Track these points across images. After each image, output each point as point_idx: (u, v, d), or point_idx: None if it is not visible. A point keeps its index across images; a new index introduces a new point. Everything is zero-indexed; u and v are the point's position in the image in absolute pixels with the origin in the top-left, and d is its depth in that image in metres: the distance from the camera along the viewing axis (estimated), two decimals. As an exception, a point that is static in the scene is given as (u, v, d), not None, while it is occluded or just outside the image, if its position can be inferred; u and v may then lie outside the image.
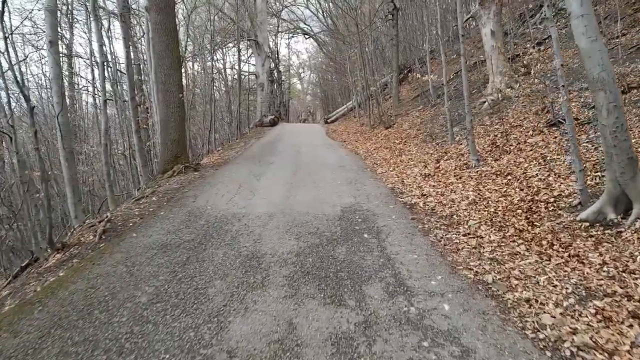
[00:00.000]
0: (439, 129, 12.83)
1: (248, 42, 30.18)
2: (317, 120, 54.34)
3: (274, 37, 36.98)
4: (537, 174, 6.97)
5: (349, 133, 19.10)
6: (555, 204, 5.84)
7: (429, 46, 18.11)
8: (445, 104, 11.22)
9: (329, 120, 29.24)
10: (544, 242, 4.94)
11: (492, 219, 5.89)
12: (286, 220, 6.25)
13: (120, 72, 17.90)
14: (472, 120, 8.88)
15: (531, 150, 8.10)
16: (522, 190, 6.61)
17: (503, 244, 5.09)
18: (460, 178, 8.18)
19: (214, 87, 29.35)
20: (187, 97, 23.49)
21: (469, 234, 5.53)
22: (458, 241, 5.33)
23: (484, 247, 5.07)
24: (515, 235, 5.27)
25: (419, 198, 7.47)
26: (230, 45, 29.32)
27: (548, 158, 7.39)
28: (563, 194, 5.98)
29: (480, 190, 7.21)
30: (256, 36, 27.76)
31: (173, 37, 10.93)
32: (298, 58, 68.99)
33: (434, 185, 8.07)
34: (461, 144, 10.45)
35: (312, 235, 5.59)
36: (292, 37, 42.08)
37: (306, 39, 43.19)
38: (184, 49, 19.80)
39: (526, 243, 5.03)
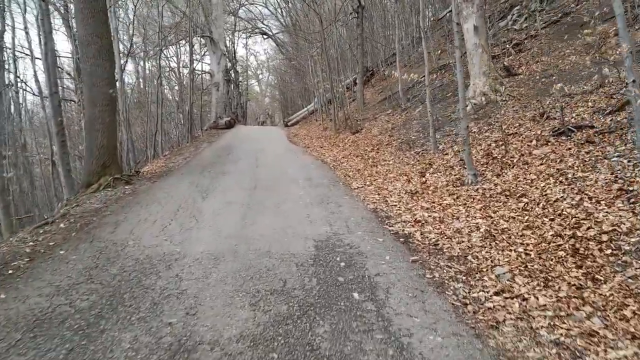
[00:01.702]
0: (415, 136, 11.16)
1: (202, 39, 27.88)
2: (276, 123, 52.24)
3: (230, 36, 34.78)
4: (563, 197, 5.32)
5: (312, 138, 17.23)
6: (611, 244, 4.15)
7: (399, 45, 16.48)
8: (428, 106, 9.55)
9: (289, 124, 27.32)
10: (628, 313, 3.22)
11: (525, 265, 4.15)
12: (238, 268, 4.29)
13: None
14: (467, 126, 7.20)
15: (542, 164, 6.49)
16: (551, 220, 4.92)
17: (562, 314, 3.34)
18: (458, 198, 6.46)
19: (164, 86, 26.95)
20: (138, 97, 21.11)
21: (502, 291, 3.76)
22: (491, 305, 3.55)
23: (534, 319, 3.31)
24: (575, 297, 3.53)
25: (412, 226, 5.69)
26: (183, 42, 26.95)
27: (570, 175, 5.75)
28: (619, 229, 4.30)
29: (491, 217, 5.50)
30: (211, 32, 25.52)
31: (102, 20, 8.76)
32: (256, 59, 66.69)
33: (427, 208, 6.30)
34: (446, 153, 8.79)
35: (276, 297, 3.66)
36: (250, 36, 39.93)
37: (264, 39, 41.19)
38: (129, 42, 17.53)
39: (599, 312, 3.30)
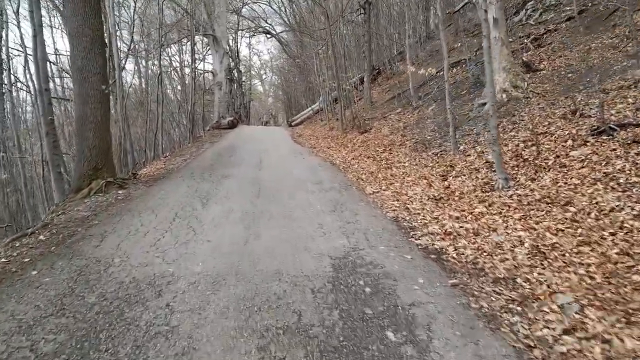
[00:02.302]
0: (430, 135, 10.36)
1: (205, 38, 27.13)
2: (279, 123, 51.51)
3: (234, 35, 34.02)
4: (619, 206, 4.52)
5: (317, 138, 16.43)
6: (699, 268, 3.37)
7: (409, 40, 15.68)
8: (447, 103, 8.76)
9: (292, 123, 26.55)
10: None
11: (594, 292, 3.35)
12: (242, 294, 3.50)
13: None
14: (496, 124, 6.40)
15: (583, 167, 5.70)
16: (612, 234, 4.12)
17: (662, 364, 2.56)
18: (490, 206, 5.66)
19: (166, 85, 26.22)
20: (139, 97, 20.38)
21: (574, 329, 2.97)
22: (564, 350, 2.77)
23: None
24: (672, 340, 2.74)
25: (443, 239, 4.91)
26: (185, 40, 26.18)
27: (623, 181, 4.96)
28: None
29: (534, 228, 4.70)
30: (214, 30, 24.81)
31: (94, 10, 7.99)
32: (259, 59, 65.99)
33: (456, 217, 5.51)
34: (468, 154, 8.00)
35: (290, 338, 2.88)
36: (253, 35, 39.15)
37: (268, 38, 40.42)
38: (130, 39, 16.82)
39: None
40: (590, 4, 12.57)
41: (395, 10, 26.22)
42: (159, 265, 4.14)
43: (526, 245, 4.37)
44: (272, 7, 36.81)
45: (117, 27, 18.03)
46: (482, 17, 10.50)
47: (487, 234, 4.87)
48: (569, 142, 6.56)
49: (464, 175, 7.18)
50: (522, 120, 8.28)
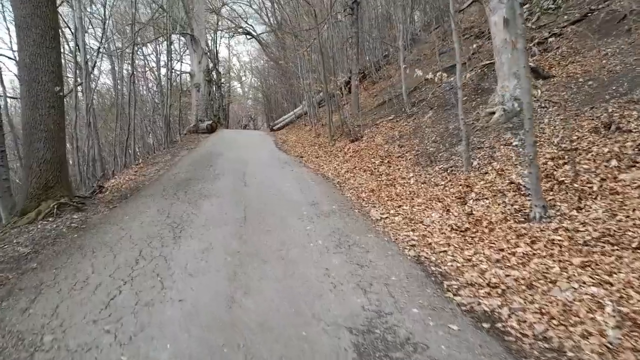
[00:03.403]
0: (433, 147, 9.23)
1: (182, 37, 25.60)
2: (259, 126, 49.98)
3: (213, 35, 32.52)
4: None
5: (304, 145, 15.17)
6: None
7: (402, 41, 14.52)
8: (460, 112, 7.62)
9: (274, 128, 25.19)
10: None
11: None
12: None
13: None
14: (534, 141, 5.25)
15: (642, 194, 4.62)
16: None
17: None
18: (534, 243, 4.51)
19: (141, 87, 24.63)
20: (113, 98, 18.81)
21: None
22: None
23: None
24: None
25: (489, 295, 3.73)
26: (162, 39, 24.58)
27: None
28: None
29: (610, 283, 3.56)
30: (192, 30, 23.32)
31: (47, -3, 6.60)
32: (239, 60, 64.32)
33: (497, 260, 4.34)
34: (486, 172, 6.86)
35: None
36: (233, 36, 37.67)
37: (248, 39, 38.98)
38: (102, 36, 15.33)
39: None
40: (594, 8, 11.63)
41: (380, 12, 25.23)
42: (107, 350, 2.84)
43: (610, 311, 3.21)
44: (252, 8, 35.46)
45: (86, 22, 16.56)
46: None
47: (546, 287, 3.70)
48: (614, 162, 5.49)
49: (487, 198, 6.03)
50: (543, 133, 7.21)
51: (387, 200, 6.95)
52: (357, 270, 4.17)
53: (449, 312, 3.41)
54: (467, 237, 5.02)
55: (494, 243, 4.74)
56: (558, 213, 5.01)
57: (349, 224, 5.72)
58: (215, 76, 28.09)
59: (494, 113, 9.07)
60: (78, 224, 5.85)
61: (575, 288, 3.60)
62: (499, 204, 5.76)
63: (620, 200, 4.72)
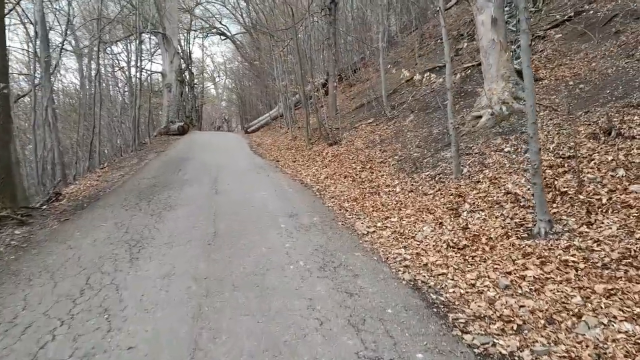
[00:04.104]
0: (417, 152, 8.66)
1: (154, 36, 24.55)
2: (233, 128, 48.95)
3: (186, 35, 31.46)
4: None
5: (279, 148, 14.45)
6: None
7: (382, 43, 13.94)
8: (449, 116, 7.06)
9: (249, 130, 24.37)
10: None
11: None
12: None
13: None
14: (539, 149, 4.69)
15: (658, 209, 4.12)
16: None
17: None
18: (544, 265, 3.94)
19: (109, 87, 23.52)
20: (81, 97, 17.75)
21: None
22: None
23: None
24: None
25: (502, 330, 3.14)
26: (133, 37, 23.49)
27: None
28: None
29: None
30: (164, 28, 22.32)
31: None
32: (213, 61, 63.04)
33: (506, 286, 3.73)
34: (478, 180, 6.31)
35: None
36: (207, 36, 36.60)
37: (222, 40, 37.97)
38: (64, 32, 14.39)
39: None
40: (579, 10, 11.30)
41: (357, 14, 24.77)
42: None
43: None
44: (227, 8, 34.50)
45: (52, 18, 15.49)
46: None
47: (570, 322, 3.12)
48: (621, 171, 4.99)
49: (482, 210, 5.46)
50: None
51: (373, 210, 6.32)
52: (346, 300, 3.51)
53: (460, 358, 2.78)
54: (466, 256, 4.42)
55: (498, 264, 4.16)
56: (566, 229, 4.46)
57: (333, 240, 5.06)
58: (188, 77, 27.11)
59: (480, 117, 8.56)
60: (19, 241, 5.01)
61: (604, 324, 3.03)
62: (496, 217, 5.19)
63: (636, 215, 4.20)
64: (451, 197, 6.11)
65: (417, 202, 6.31)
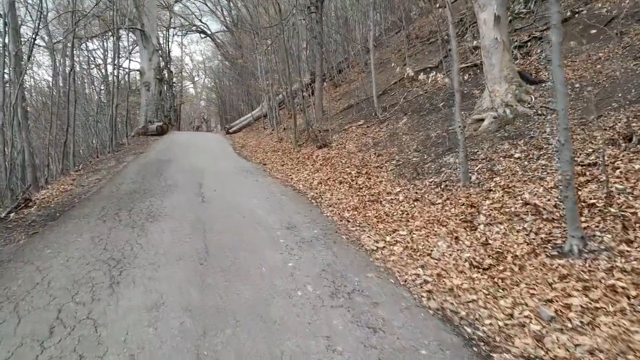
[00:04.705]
0: (416, 157, 8.17)
1: (132, 33, 23.57)
2: (212, 128, 48.00)
3: (165, 33, 30.50)
4: None
5: (265, 151, 13.79)
6: None
7: (372, 41, 13.42)
8: (457, 117, 6.55)
9: (230, 131, 23.61)
10: None
11: None
12: None
13: None
14: (571, 157, 4.21)
15: None
16: None
17: None
18: (589, 290, 3.47)
19: (85, 85, 22.49)
20: (55, 96, 16.83)
21: None
22: None
23: None
24: None
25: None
26: (110, 34, 22.45)
27: None
28: None
29: None
30: (142, 25, 21.42)
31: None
32: (192, 60, 61.84)
33: (552, 318, 3.23)
34: (489, 189, 5.83)
35: None
36: (186, 34, 35.65)
37: (202, 38, 37.05)
38: (36, 24, 13.51)
39: None
40: (575, 11, 11.00)
41: (341, 14, 24.28)
42: None
43: None
44: (207, 5, 33.61)
45: (23, 12, 14.51)
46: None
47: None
48: (654, 181, 4.56)
49: (500, 223, 4.96)
50: (549, 144, 6.27)
51: (377, 221, 5.78)
52: (370, 338, 2.96)
53: None
54: (494, 278, 3.91)
55: (533, 288, 3.66)
56: (602, 246, 3.99)
57: (340, 257, 4.49)
58: (166, 75, 26.22)
59: (482, 120, 8.11)
60: (-23, 262, 4.31)
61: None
62: (518, 231, 4.70)
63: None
64: (463, 207, 5.61)
65: (426, 212, 5.79)
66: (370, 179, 7.91)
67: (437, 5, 17.65)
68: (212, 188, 7.82)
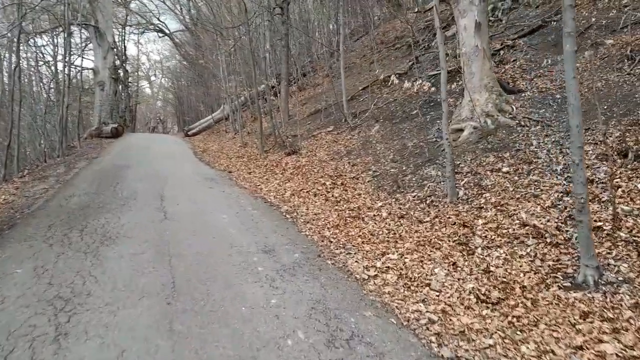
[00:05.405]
0: (394, 167, 7.71)
1: (85, 29, 22.13)
2: (169, 130, 46.27)
3: (120, 30, 29.00)
4: None
5: (229, 156, 13.00)
6: None
7: (343, 46, 12.92)
8: (444, 128, 6.12)
9: (189, 133, 22.56)
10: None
11: None
12: None
13: None
14: (585, 178, 3.80)
15: None
16: None
17: None
18: (619, 333, 3.06)
19: (32, 82, 20.93)
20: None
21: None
22: None
23: None
24: None
25: None
26: (60, 29, 20.93)
27: None
28: None
29: None
30: (97, 21, 20.10)
31: None
32: (149, 59, 59.66)
33: (588, 371, 2.78)
34: (480, 206, 5.43)
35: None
36: (143, 32, 34.12)
37: (160, 37, 35.54)
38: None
39: None
40: (547, 20, 10.89)
41: (305, 18, 23.79)
42: None
43: None
44: (166, 4, 32.26)
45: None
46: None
47: None
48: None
49: (499, 247, 4.53)
50: (538, 158, 5.94)
51: (362, 242, 5.23)
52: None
53: None
54: (508, 317, 3.43)
55: (555, 329, 3.20)
56: (620, 277, 3.60)
57: (329, 290, 3.91)
58: (122, 74, 24.83)
59: (461, 130, 7.75)
60: None
61: None
62: (521, 257, 4.27)
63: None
64: (454, 226, 5.15)
65: (414, 232, 5.29)
66: (347, 191, 7.37)
67: (406, 11, 17.44)
68: (174, 201, 7.06)
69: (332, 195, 7.25)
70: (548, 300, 3.56)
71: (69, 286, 3.73)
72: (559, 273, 3.90)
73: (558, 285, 3.74)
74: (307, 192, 7.72)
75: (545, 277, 3.87)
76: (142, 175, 9.24)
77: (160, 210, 6.41)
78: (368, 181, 7.55)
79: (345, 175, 8.09)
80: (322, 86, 18.17)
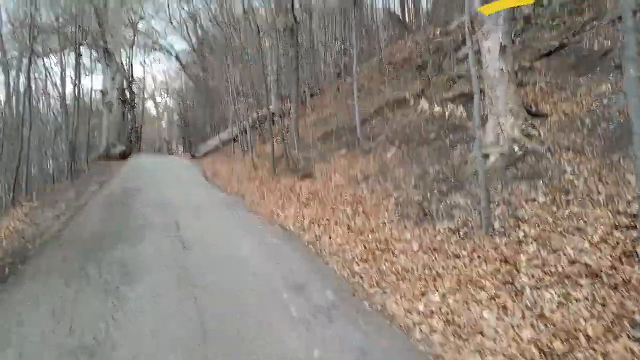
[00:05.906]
0: (418, 195, 7.37)
1: (94, 51, 22.07)
2: (174, 151, 46.08)
3: (128, 51, 29.06)
4: None
5: (240, 180, 12.65)
6: None
7: (357, 64, 12.73)
8: (476, 151, 5.78)
9: (196, 155, 22.29)
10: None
11: None
12: None
13: None
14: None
15: None
16: None
17: None
18: None
19: (41, 104, 20.79)
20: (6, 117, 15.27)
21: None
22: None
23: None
24: None
25: None
26: (69, 50, 20.84)
27: None
28: None
29: None
30: (106, 42, 20.06)
31: None
32: (154, 80, 59.86)
33: None
34: (521, 242, 5.05)
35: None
36: (150, 53, 34.22)
37: (167, 57, 35.65)
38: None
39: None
40: (565, 42, 10.66)
41: (308, 38, 23.77)
42: None
43: None
44: (172, 25, 32.40)
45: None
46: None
47: None
48: None
49: (549, 287, 4.14)
50: (576, 187, 5.58)
51: (397, 279, 4.86)
52: None
53: None
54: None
55: (637, 391, 2.82)
56: None
57: (373, 338, 3.53)
58: (129, 95, 24.74)
59: (487, 156, 7.41)
60: None
61: None
62: (577, 300, 3.88)
63: None
64: (496, 263, 4.78)
65: (452, 268, 4.92)
66: (369, 219, 7.02)
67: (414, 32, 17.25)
68: (191, 228, 6.73)
69: (355, 224, 6.89)
70: (620, 354, 3.18)
71: (91, 333, 3.36)
72: (625, 320, 3.52)
73: (627, 335, 3.36)
74: (327, 220, 7.37)
75: (611, 325, 3.49)
76: (154, 201, 8.91)
77: (178, 240, 6.07)
78: (391, 210, 7.20)
79: (366, 203, 7.75)
80: (330, 108, 17.99)
